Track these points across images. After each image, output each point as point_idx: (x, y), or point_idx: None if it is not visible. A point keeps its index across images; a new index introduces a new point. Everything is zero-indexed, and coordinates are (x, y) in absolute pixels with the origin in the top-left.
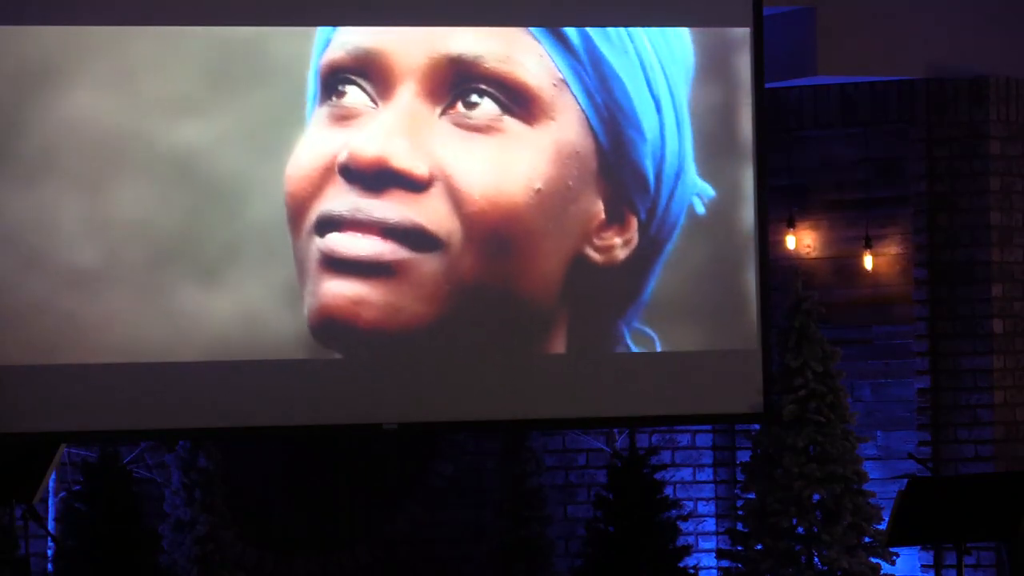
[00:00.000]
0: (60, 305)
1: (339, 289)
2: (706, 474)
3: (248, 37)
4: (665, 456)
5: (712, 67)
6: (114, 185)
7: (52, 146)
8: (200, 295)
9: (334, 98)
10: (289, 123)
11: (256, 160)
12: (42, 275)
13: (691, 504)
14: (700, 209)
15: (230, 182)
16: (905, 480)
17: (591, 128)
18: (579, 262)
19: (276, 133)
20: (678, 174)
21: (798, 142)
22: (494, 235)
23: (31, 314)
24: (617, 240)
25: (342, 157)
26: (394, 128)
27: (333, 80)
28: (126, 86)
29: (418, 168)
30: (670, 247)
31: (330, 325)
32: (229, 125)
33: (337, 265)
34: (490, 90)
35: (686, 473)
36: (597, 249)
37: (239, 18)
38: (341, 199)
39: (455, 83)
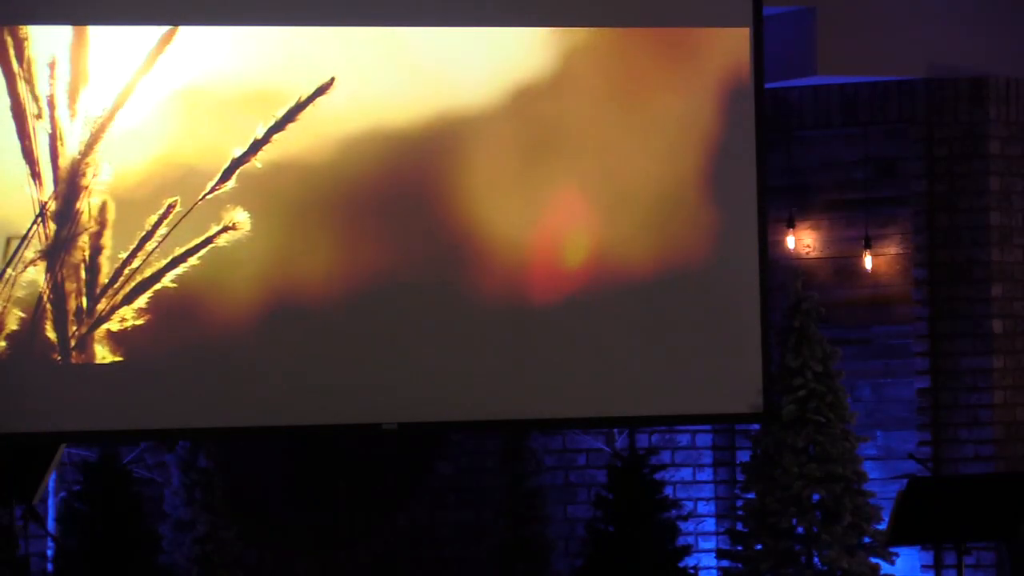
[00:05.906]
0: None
1: None
2: (706, 474)
3: None
4: (665, 456)
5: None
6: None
7: None
8: None
9: None
10: None
11: None
12: None
13: (691, 504)
14: None
15: None
16: (905, 480)
17: None
18: None
19: None
20: None
21: (798, 142)
22: None
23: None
24: None
25: None
26: None
27: None
28: None
29: None
30: None
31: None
32: None
33: None
34: None
35: (686, 473)
36: None
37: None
38: None
39: None
